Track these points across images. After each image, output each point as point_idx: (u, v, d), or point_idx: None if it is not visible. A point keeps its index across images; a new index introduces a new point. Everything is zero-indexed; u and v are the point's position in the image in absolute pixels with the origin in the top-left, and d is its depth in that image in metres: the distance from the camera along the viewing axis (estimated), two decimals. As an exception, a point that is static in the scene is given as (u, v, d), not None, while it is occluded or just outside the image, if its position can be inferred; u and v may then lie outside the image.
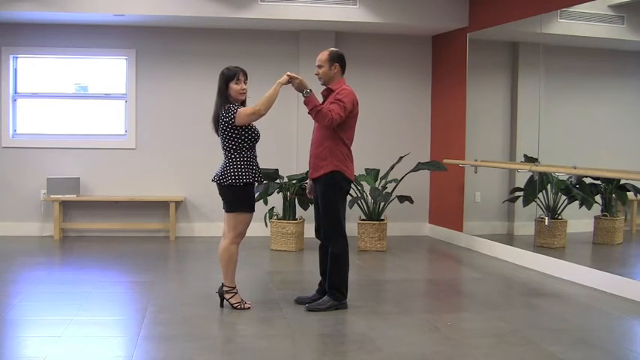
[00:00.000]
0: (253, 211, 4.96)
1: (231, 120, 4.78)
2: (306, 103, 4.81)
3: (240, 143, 4.84)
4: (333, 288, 4.99)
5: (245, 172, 4.84)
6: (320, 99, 4.95)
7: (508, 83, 7.72)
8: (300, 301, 5.13)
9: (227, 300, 4.97)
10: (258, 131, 4.94)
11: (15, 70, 8.24)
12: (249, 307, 4.96)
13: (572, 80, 6.99)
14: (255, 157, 4.96)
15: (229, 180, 4.83)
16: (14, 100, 8.25)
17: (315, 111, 4.79)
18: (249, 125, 4.85)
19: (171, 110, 8.35)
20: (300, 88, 4.82)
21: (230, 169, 4.85)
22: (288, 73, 4.84)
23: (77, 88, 8.43)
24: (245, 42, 8.38)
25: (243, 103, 4.94)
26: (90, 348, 4.12)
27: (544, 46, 6.80)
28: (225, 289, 4.97)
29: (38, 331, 4.43)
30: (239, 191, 4.85)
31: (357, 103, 4.97)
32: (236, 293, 4.98)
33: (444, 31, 8.33)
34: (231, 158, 4.86)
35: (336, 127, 4.87)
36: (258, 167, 4.97)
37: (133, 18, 7.73)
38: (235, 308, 4.94)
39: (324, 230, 5.02)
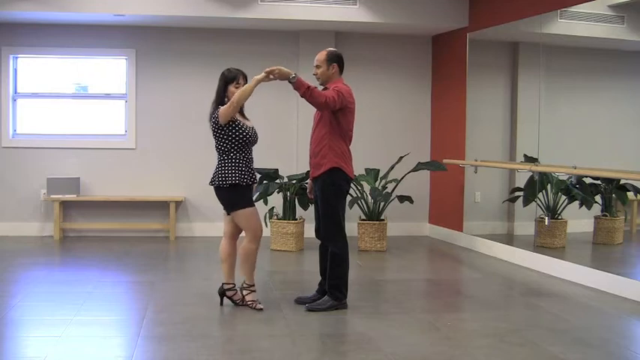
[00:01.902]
0: (252, 205, 4.91)
1: (216, 120, 4.80)
2: (297, 87, 4.70)
3: (228, 145, 4.83)
4: (333, 288, 4.99)
5: (232, 174, 4.81)
6: None
7: (508, 83, 7.72)
8: (300, 301, 5.13)
9: (243, 297, 4.99)
10: (248, 133, 4.85)
11: (15, 70, 8.24)
12: (260, 309, 4.93)
13: (572, 80, 6.99)
14: (247, 159, 4.88)
15: (217, 182, 4.85)
16: (14, 100, 8.25)
17: (309, 92, 4.69)
18: (237, 126, 4.80)
19: (171, 110, 8.35)
20: (284, 76, 4.70)
21: (219, 170, 4.86)
22: (266, 69, 4.72)
23: (77, 88, 8.42)
24: (245, 42, 8.38)
25: (241, 107, 4.93)
26: (90, 348, 4.12)
27: (544, 46, 6.80)
28: (244, 285, 4.99)
29: (38, 331, 4.44)
30: (227, 193, 4.85)
31: (354, 102, 4.96)
32: (253, 292, 4.98)
33: (444, 31, 8.33)
34: (221, 160, 4.88)
35: (335, 123, 4.85)
36: (250, 170, 4.89)
37: (133, 18, 7.73)
38: (248, 306, 4.93)
39: (323, 230, 5.02)
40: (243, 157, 4.87)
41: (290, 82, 4.72)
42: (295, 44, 8.35)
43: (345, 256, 4.99)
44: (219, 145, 4.87)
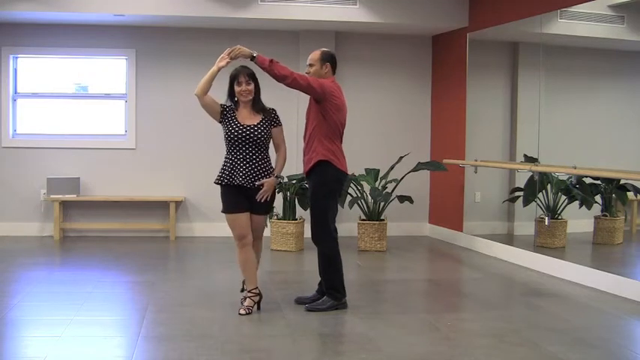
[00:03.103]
0: (229, 212, 4.77)
1: None
2: (260, 63, 4.68)
3: (225, 141, 4.85)
4: (330, 288, 4.98)
5: (220, 172, 4.81)
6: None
7: (508, 83, 7.72)
8: (300, 301, 5.13)
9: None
10: (231, 131, 4.75)
11: (15, 70, 8.24)
12: (240, 313, 4.84)
13: (572, 80, 7.00)
14: (235, 159, 4.76)
15: None
16: (14, 100, 8.25)
17: (272, 65, 4.66)
18: (225, 123, 4.79)
19: (171, 110, 8.35)
20: (245, 55, 4.71)
21: None
22: (225, 52, 4.73)
23: (77, 88, 8.42)
24: (245, 42, 8.19)
25: (254, 104, 4.87)
26: (90, 348, 4.12)
27: (544, 46, 6.80)
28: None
29: (38, 331, 4.44)
30: (220, 191, 4.86)
31: (340, 98, 4.93)
32: (249, 297, 4.89)
33: (444, 31, 8.33)
34: None
35: (323, 119, 4.83)
36: (233, 171, 4.73)
37: (133, 18, 7.73)
38: (247, 311, 4.85)
39: (311, 231, 4.99)
40: (232, 156, 4.79)
41: (252, 58, 4.70)
42: (295, 44, 8.35)
43: (335, 256, 4.96)
44: None
